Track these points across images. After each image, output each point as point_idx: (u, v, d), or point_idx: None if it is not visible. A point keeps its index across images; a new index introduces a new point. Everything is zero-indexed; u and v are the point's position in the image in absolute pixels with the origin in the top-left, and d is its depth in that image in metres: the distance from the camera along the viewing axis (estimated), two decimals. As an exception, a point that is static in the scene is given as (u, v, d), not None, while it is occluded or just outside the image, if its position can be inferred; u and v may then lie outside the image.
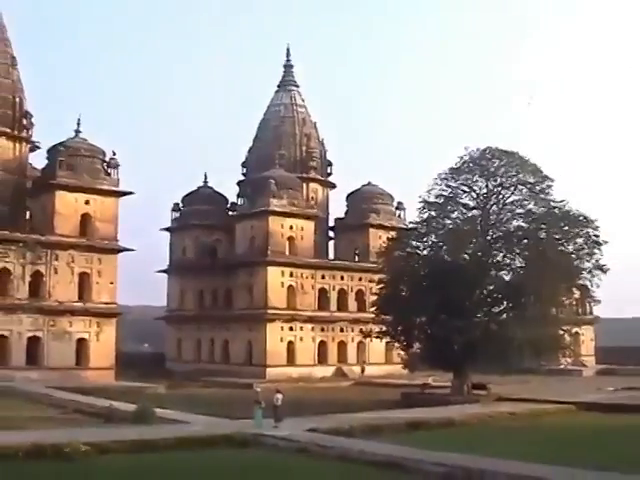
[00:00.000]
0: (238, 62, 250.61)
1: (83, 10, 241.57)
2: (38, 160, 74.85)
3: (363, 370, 78.62)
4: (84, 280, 67.35)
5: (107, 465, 25.65)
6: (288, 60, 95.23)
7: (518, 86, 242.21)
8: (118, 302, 69.57)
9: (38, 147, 74.89)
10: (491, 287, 53.46)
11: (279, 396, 35.66)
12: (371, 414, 40.94)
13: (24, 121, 73.07)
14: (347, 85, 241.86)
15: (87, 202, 67.89)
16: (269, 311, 76.44)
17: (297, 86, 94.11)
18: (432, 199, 54.11)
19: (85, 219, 67.80)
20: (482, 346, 49.75)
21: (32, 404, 46.59)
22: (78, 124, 70.38)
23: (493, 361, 52.19)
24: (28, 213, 72.40)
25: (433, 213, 54.39)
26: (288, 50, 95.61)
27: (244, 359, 77.73)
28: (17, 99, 72.85)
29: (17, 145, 72.75)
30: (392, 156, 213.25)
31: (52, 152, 69.93)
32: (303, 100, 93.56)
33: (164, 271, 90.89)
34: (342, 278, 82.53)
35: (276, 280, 77.51)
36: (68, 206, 67.12)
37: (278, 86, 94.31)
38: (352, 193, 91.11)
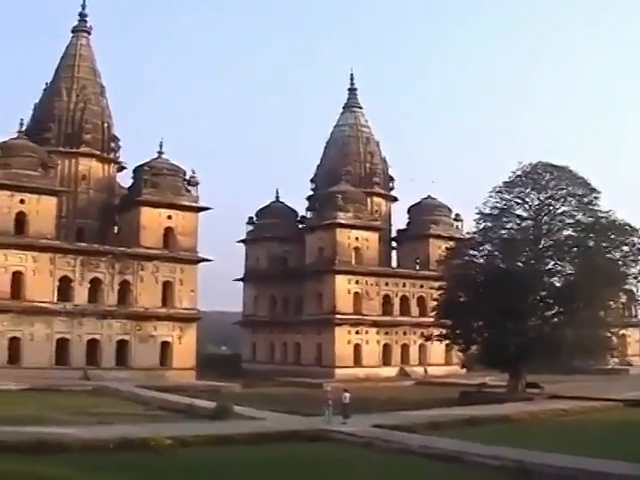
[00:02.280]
0: (306, 85, 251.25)
1: (163, 39, 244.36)
2: (125, 179, 76.28)
3: (426, 371, 78.35)
4: (167, 288, 68.16)
5: (189, 457, 25.89)
6: (352, 84, 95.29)
7: (568, 101, 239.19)
8: (198, 308, 70.18)
9: (125, 167, 76.19)
10: (543, 292, 53.06)
11: (347, 395, 35.80)
12: (432, 411, 40.87)
13: (112, 144, 74.54)
14: (407, 104, 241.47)
15: (169, 217, 68.73)
16: (337, 316, 76.54)
17: (361, 108, 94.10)
18: (488, 211, 53.95)
19: (168, 232, 68.63)
20: (535, 348, 49.47)
21: (121, 401, 47.15)
22: (161, 146, 71.38)
23: (546, 362, 51.86)
24: (116, 228, 73.64)
25: (489, 224, 54.23)
26: (352, 75, 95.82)
27: (314, 360, 77.86)
28: (105, 124, 74.25)
29: (106, 166, 74.10)
30: (450, 170, 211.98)
31: (137, 172, 70.96)
32: (366, 121, 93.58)
33: (240, 279, 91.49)
34: (404, 285, 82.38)
35: (343, 287, 77.64)
36: (152, 221, 68.02)
37: (343, 108, 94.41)
38: (413, 206, 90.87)
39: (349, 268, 78.25)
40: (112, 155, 74.69)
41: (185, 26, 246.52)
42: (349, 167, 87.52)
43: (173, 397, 46.86)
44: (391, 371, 77.88)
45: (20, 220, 62.51)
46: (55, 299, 63.08)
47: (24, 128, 67.43)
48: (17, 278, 61.73)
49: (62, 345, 62.80)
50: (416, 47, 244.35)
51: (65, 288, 63.83)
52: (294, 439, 30.00)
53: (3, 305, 60.54)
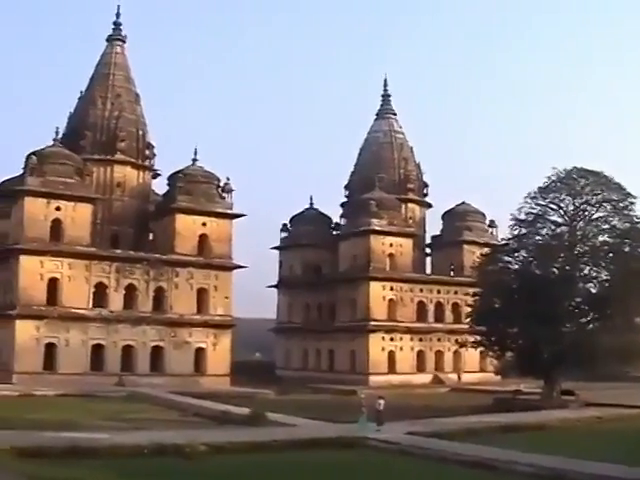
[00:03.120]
0: (340, 91, 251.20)
1: (197, 47, 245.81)
2: (160, 186, 76.84)
3: (460, 377, 78.13)
4: (202, 295, 68.46)
5: (223, 463, 25.96)
6: (385, 90, 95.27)
7: (598, 108, 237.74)
8: (232, 315, 70.42)
9: (159, 174, 76.77)
10: (579, 299, 52.75)
11: (381, 401, 35.75)
12: (466, 418, 40.74)
13: (147, 151, 75.06)
14: (441, 108, 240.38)
15: (204, 224, 69.05)
16: (371, 323, 76.48)
17: (394, 114, 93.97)
18: (522, 217, 53.79)
19: (202, 239, 68.95)
20: (570, 354, 49.13)
21: (156, 407, 47.34)
22: (195, 153, 71.72)
23: (581, 368, 51.54)
24: (151, 234, 74.03)
25: (523, 230, 54.07)
26: (385, 81, 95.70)
27: (348, 367, 77.84)
28: (140, 132, 74.82)
29: (141, 173, 74.65)
30: (484, 176, 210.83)
31: (172, 179, 71.39)
32: (400, 127, 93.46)
33: (274, 286, 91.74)
34: (439, 292, 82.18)
35: (377, 294, 77.59)
36: (187, 228, 68.38)
37: (377, 114, 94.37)
38: (447, 212, 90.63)
39: (383, 275, 78.17)
40: (147, 162, 75.21)
41: (220, 33, 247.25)
42: (383, 173, 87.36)
43: (208, 403, 46.89)
44: (425, 378, 77.56)
45: (56, 227, 63.11)
46: (90, 305, 63.63)
47: (60, 136, 67.89)
48: (53, 285, 62.33)
49: (97, 351, 63.32)
50: (449, 52, 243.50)
51: (100, 294, 64.37)
52: (328, 446, 29.96)
53: (39, 311, 61.19)
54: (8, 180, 70.14)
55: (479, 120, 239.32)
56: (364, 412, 34.75)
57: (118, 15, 79.03)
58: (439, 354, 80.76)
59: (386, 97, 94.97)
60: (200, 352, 67.51)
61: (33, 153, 64.36)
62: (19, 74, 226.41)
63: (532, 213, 53.75)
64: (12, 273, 62.92)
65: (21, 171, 65.06)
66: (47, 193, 62.92)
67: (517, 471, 24.86)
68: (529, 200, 53.62)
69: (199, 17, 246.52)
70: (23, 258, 61.71)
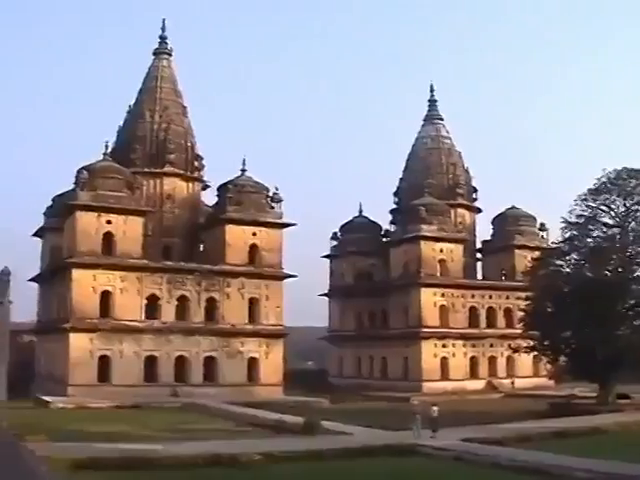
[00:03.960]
0: (386, 99, 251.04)
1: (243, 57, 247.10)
2: (209, 197, 77.37)
3: (513, 383, 77.67)
4: (253, 304, 68.69)
5: (278, 473, 26.10)
6: (432, 95, 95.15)
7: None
8: (284, 324, 70.60)
9: (208, 186, 77.19)
10: (632, 301, 52.30)
11: (435, 408, 35.81)
12: (520, 424, 40.54)
13: (196, 163, 75.56)
14: (489, 113, 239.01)
15: (254, 234, 69.32)
16: (423, 329, 76.29)
17: (442, 119, 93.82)
18: (573, 219, 53.57)
19: (253, 249, 69.22)
20: (625, 357, 48.76)
21: (210, 417, 47.68)
22: (244, 163, 72.03)
23: (636, 371, 51.02)
24: (202, 245, 74.58)
25: (575, 232, 53.79)
26: (432, 86, 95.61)
27: (401, 374, 77.73)
28: (189, 144, 75.44)
29: (190, 185, 75.20)
30: (533, 179, 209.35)
31: (221, 190, 71.82)
32: (447, 132, 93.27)
33: (325, 295, 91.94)
34: (490, 297, 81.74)
35: (429, 300, 77.40)
36: (237, 238, 68.70)
37: (424, 120, 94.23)
38: (497, 216, 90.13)
39: (434, 281, 77.98)
40: (196, 174, 75.71)
41: (266, 42, 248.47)
42: (432, 179, 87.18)
43: (261, 413, 47.13)
44: (478, 384, 77.18)
45: (107, 240, 63.82)
46: (143, 317, 64.20)
47: (109, 150, 68.72)
48: (106, 297, 63.00)
49: (151, 362, 63.85)
50: (496, 54, 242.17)
51: (153, 306, 64.93)
52: (383, 453, 30.03)
53: (92, 324, 61.87)
54: (60, 195, 71.31)
55: (528, 122, 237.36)
56: (418, 419, 34.79)
57: (164, 29, 79.90)
58: (492, 360, 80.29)
59: (432, 102, 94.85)
60: (253, 361, 67.73)
61: (84, 168, 65.13)
62: (68, 90, 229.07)
63: (583, 215, 53.52)
64: (65, 287, 63.80)
65: (72, 186, 65.99)
66: (98, 207, 63.64)
67: (573, 477, 24.75)
68: (579, 202, 53.45)
69: (244, 27, 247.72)
70: (76, 272, 62.47)
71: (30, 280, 76.72)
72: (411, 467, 27.99)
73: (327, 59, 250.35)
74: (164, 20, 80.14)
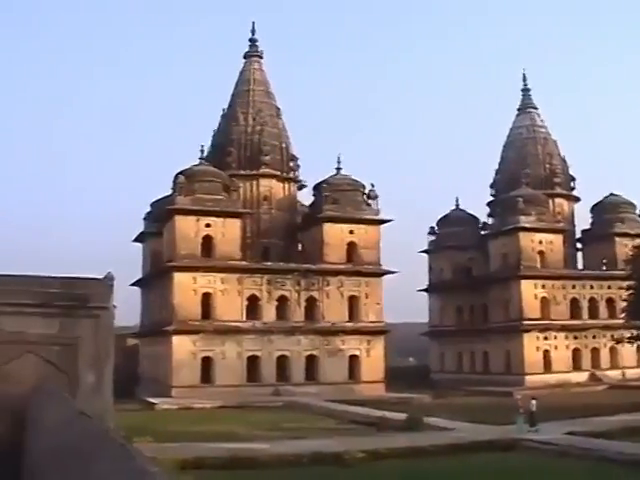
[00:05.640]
0: (480, 88, 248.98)
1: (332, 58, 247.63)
2: (305, 197, 77.80)
3: (624, 374, 75.99)
4: (353, 302, 68.67)
5: (383, 470, 26.05)
6: (525, 84, 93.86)
7: None
8: (384, 320, 70.42)
9: (304, 186, 77.55)
10: None
11: (534, 402, 35.38)
12: (627, 416, 39.64)
13: (291, 164, 75.96)
14: (585, 99, 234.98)
15: (351, 232, 69.30)
16: (525, 322, 75.15)
17: (536, 108, 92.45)
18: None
19: (351, 247, 69.22)
20: None
21: (312, 416, 47.76)
22: (339, 161, 72.22)
23: None
24: (300, 245, 74.91)
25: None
26: (524, 75, 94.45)
27: (503, 368, 76.79)
28: (283, 145, 75.84)
29: (286, 185, 75.61)
30: (632, 166, 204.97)
31: (318, 189, 72.06)
32: (542, 121, 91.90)
33: (425, 290, 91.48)
34: (592, 287, 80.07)
35: (530, 293, 76.26)
36: (335, 236, 68.78)
37: (518, 109, 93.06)
38: (596, 205, 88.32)
39: (535, 273, 76.75)
40: (291, 174, 76.13)
41: (357, 40, 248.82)
42: (528, 170, 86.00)
43: (364, 410, 47.00)
44: (582, 376, 75.59)
45: (207, 243, 64.58)
46: (244, 318, 64.71)
47: (205, 154, 69.65)
48: (207, 299, 63.75)
49: (253, 362, 64.34)
50: (587, 38, 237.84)
51: (253, 307, 65.45)
52: (488, 449, 29.77)
53: (195, 326, 62.64)
54: (158, 200, 72.35)
55: (624, 109, 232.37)
56: (522, 413, 34.36)
57: (253, 32, 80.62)
58: (595, 351, 78.65)
59: (526, 91, 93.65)
60: (354, 359, 67.72)
61: (181, 172, 66.13)
62: (164, 97, 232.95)
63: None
64: (167, 290, 64.79)
65: (170, 191, 67.00)
66: (197, 211, 64.45)
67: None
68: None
69: (332, 26, 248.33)
70: (177, 275, 63.38)
71: (132, 284, 78.10)
72: (516, 462, 27.68)
73: (418, 53, 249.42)
74: (254, 23, 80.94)
